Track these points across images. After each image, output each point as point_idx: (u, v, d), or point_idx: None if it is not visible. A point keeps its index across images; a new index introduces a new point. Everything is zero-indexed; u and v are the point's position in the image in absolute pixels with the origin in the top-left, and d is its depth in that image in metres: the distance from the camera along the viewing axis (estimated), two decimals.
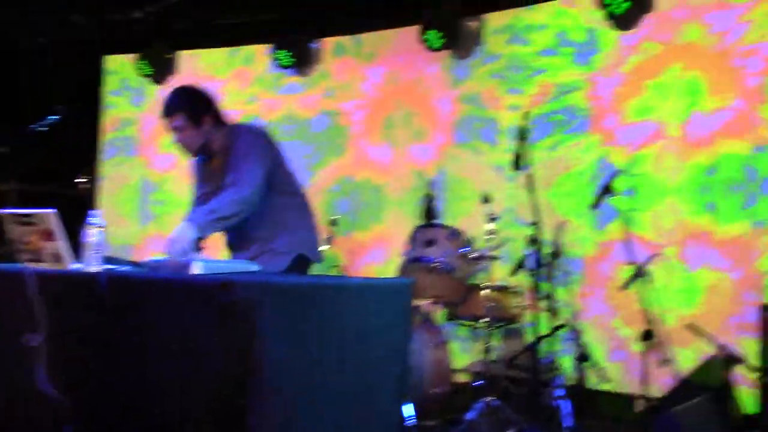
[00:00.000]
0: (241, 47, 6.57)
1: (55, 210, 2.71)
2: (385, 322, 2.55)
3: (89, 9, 6.23)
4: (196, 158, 3.63)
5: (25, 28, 6.70)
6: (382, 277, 4.77)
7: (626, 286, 4.11)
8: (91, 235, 2.66)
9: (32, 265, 2.68)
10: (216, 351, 2.09)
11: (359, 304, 2.49)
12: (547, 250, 4.14)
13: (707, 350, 4.05)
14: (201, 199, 3.59)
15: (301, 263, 3.50)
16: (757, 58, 4.41)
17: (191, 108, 3.41)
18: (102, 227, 2.68)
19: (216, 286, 2.15)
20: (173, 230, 3.12)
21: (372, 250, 5.88)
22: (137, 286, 2.40)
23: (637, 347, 4.17)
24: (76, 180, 7.16)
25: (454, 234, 4.16)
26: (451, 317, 4.49)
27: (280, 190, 3.48)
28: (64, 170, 7.26)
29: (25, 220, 2.72)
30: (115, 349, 2.33)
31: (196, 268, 2.74)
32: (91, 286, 2.38)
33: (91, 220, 2.67)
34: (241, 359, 2.04)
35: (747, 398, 3.82)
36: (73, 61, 6.87)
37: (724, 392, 3.54)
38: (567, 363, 4.42)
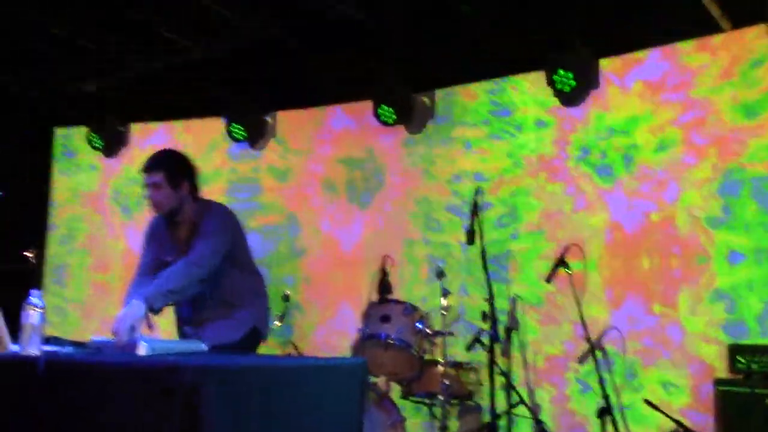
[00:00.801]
0: (193, 120, 6.55)
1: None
2: (339, 403, 2.47)
3: (41, 81, 6.17)
4: (156, 219, 3.66)
5: None
6: (335, 356, 4.66)
7: (582, 361, 4.10)
8: (31, 316, 2.56)
9: None
10: None
11: (311, 385, 2.41)
12: (502, 325, 4.11)
13: (664, 426, 4.02)
14: (148, 265, 3.59)
15: (254, 336, 3.58)
16: None
17: (173, 169, 3.50)
18: (42, 308, 2.58)
19: (159, 369, 2.08)
20: (122, 308, 3.04)
21: (325, 325, 5.79)
22: (77, 369, 2.30)
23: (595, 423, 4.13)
24: (23, 253, 6.99)
25: (409, 309, 4.11)
26: (407, 394, 4.40)
27: (240, 267, 3.57)
28: (10, 246, 7.11)
29: None
30: None
31: (142, 349, 2.66)
32: (29, 370, 2.27)
33: (31, 300, 2.57)
34: None
35: None
36: (22, 133, 6.78)
37: None
38: None
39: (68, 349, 2.73)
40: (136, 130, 6.77)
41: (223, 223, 3.54)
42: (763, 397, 3.48)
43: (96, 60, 5.73)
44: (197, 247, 3.40)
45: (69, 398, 2.22)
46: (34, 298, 2.58)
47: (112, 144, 6.69)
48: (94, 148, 6.67)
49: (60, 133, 7.00)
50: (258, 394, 2.17)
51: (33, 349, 2.51)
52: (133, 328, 3.01)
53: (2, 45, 5.50)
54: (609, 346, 4.37)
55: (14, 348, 2.60)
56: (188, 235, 3.54)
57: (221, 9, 4.95)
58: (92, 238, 6.79)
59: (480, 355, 4.15)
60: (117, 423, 2.10)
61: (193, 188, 3.58)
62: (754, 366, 3.66)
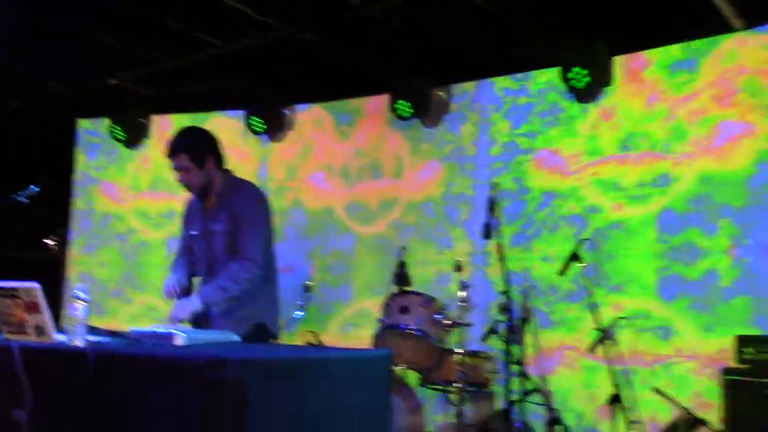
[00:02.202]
0: (213, 113, 6.69)
1: (39, 284, 2.74)
2: (367, 393, 2.57)
3: (65, 76, 6.32)
4: (191, 199, 3.78)
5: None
6: (360, 347, 4.79)
7: (592, 349, 4.24)
8: (76, 308, 2.70)
9: (15, 338, 2.70)
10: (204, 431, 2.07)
11: (342, 376, 2.50)
12: (517, 315, 4.26)
13: (673, 413, 4.17)
14: (184, 245, 3.77)
15: (260, 332, 3.58)
16: None
17: (195, 149, 3.58)
18: (86, 301, 2.72)
19: (205, 362, 2.15)
20: (178, 301, 3.23)
21: (344, 315, 5.95)
22: (124, 361, 2.39)
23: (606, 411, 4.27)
24: (44, 240, 7.15)
25: (428, 301, 4.26)
26: (425, 382, 4.56)
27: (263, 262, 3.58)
28: (36, 236, 7.28)
29: (9, 293, 2.75)
30: (101, 426, 2.33)
31: (180, 340, 2.80)
32: (78, 361, 2.38)
33: (76, 292, 2.71)
34: None
35: None
36: (46, 125, 6.93)
37: None
38: (539, 428, 4.50)
39: (108, 340, 2.83)
40: (158, 122, 6.91)
41: (257, 207, 3.62)
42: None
43: (120, 55, 5.86)
44: (247, 243, 3.48)
45: (115, 391, 2.30)
46: (79, 290, 2.73)
47: (134, 135, 6.83)
48: (117, 139, 6.81)
49: (82, 124, 7.14)
50: (297, 386, 2.25)
51: (80, 341, 2.66)
52: (183, 319, 3.20)
53: (28, 38, 5.64)
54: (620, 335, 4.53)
55: (60, 338, 2.74)
56: (214, 206, 3.64)
57: (241, 6, 5.08)
58: (115, 228, 6.95)
59: (496, 344, 4.30)
60: (162, 416, 2.17)
61: (218, 160, 3.65)
62: (761, 356, 3.79)
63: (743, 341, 3.94)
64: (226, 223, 3.58)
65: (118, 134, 6.77)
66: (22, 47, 5.64)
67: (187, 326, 3.29)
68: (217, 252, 3.63)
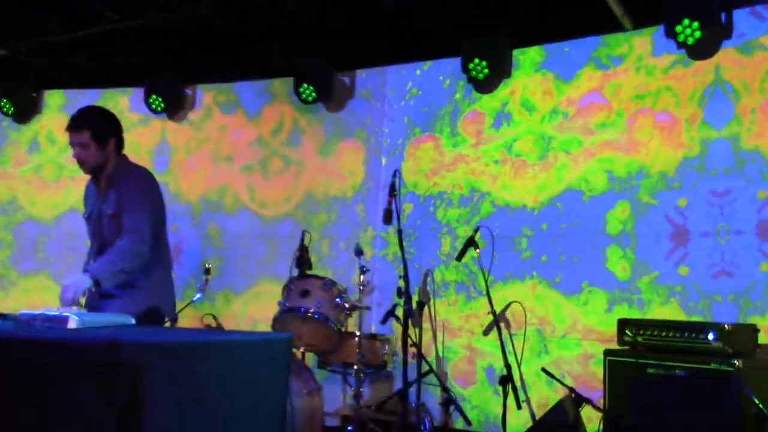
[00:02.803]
0: (109, 90, 6.49)
1: None
2: (265, 376, 2.59)
3: None
4: (89, 181, 3.74)
5: None
6: (260, 330, 4.79)
7: (486, 332, 4.42)
8: None
9: None
10: (97, 416, 2.02)
11: (241, 359, 2.51)
12: (414, 299, 4.37)
13: (560, 393, 4.39)
14: (88, 221, 3.71)
15: (152, 315, 3.55)
16: None
17: (99, 128, 3.55)
18: None
19: (100, 344, 2.09)
20: (67, 278, 3.15)
21: (244, 298, 5.93)
22: (14, 344, 2.33)
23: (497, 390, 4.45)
24: None
25: (328, 285, 4.31)
26: (323, 364, 4.62)
27: (152, 243, 3.56)
28: None
29: None
30: None
31: (72, 323, 2.73)
32: None
33: None
34: (124, 425, 1.99)
35: None
36: None
37: (575, 430, 3.88)
38: (434, 408, 4.64)
39: None
40: (49, 96, 6.65)
41: (144, 187, 3.61)
42: (646, 366, 3.84)
43: (12, 24, 5.60)
44: (132, 220, 3.46)
45: (6, 376, 2.21)
46: None
47: (24, 110, 6.55)
48: (5, 113, 6.52)
49: None
50: (196, 369, 2.24)
51: None
52: (76, 299, 3.11)
53: None
54: (512, 319, 4.74)
55: None
56: (105, 187, 3.62)
57: None
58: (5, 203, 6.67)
59: (394, 328, 4.41)
60: (55, 400, 2.11)
61: (119, 144, 3.64)
62: (639, 338, 4.02)
63: (624, 324, 4.17)
64: (114, 204, 3.57)
65: (7, 108, 6.48)
66: None
67: (81, 309, 3.21)
68: (107, 235, 3.60)
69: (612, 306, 4.66)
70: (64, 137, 3.67)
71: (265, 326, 4.59)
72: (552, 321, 4.84)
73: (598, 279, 4.72)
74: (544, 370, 4.38)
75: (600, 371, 4.00)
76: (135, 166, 3.73)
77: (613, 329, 3.99)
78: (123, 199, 3.53)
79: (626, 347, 3.94)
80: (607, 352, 4.01)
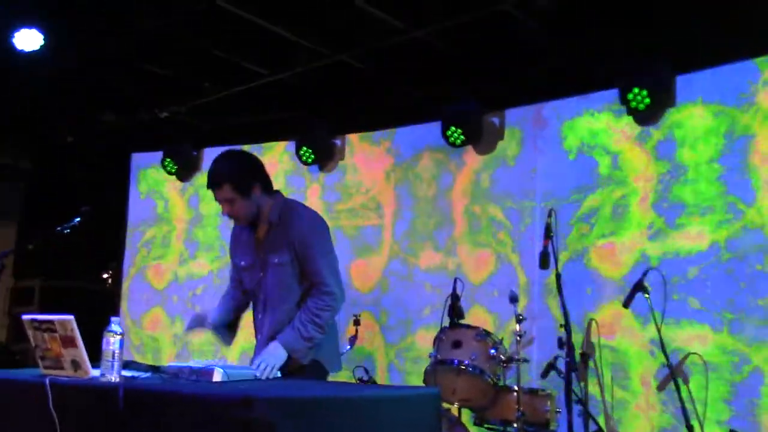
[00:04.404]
0: (264, 143, 6.62)
1: (73, 316, 2.66)
2: None
3: (119, 108, 6.38)
4: (237, 227, 3.47)
5: (56, 126, 6.87)
6: (409, 385, 4.59)
7: (662, 387, 3.97)
8: (111, 342, 2.61)
9: (52, 373, 2.63)
10: None
11: (386, 416, 2.38)
12: (577, 350, 4.01)
13: None
14: (233, 276, 3.54)
15: (314, 370, 3.30)
16: None
17: (239, 177, 3.21)
18: (121, 334, 2.63)
19: (235, 401, 2.06)
20: (269, 348, 3.11)
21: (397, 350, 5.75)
22: (155, 398, 2.32)
23: None
24: (102, 275, 7.21)
25: (482, 335, 4.04)
26: (480, 421, 4.32)
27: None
28: (89, 267, 7.35)
29: (46, 327, 2.68)
30: None
31: (218, 375, 2.68)
32: (109, 397, 2.30)
33: (111, 327, 2.62)
34: None
35: None
36: (102, 158, 7.01)
37: None
38: None
39: (146, 375, 2.76)
40: (208, 154, 6.91)
41: (326, 232, 3.35)
42: None
43: (171, 87, 5.89)
44: (319, 273, 3.22)
45: (146, 426, 2.24)
46: (114, 324, 2.64)
47: (186, 168, 6.85)
48: (169, 172, 6.83)
49: (137, 157, 7.19)
50: (332, 427, 2.16)
51: (113, 375, 2.56)
52: (275, 369, 3.05)
53: (84, 74, 5.70)
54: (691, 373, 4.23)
55: (95, 373, 2.65)
56: (268, 234, 3.32)
57: (291, 36, 5.02)
58: (167, 261, 6.94)
59: (556, 382, 4.05)
60: None
61: (265, 185, 3.29)
62: None
63: None
64: (285, 253, 3.26)
65: (170, 167, 6.79)
66: (76, 77, 5.70)
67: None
68: (272, 285, 3.33)
69: None
70: None
71: (417, 380, 4.38)
72: None
73: None
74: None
75: None
76: (297, 205, 3.41)
77: None
78: (299, 244, 3.23)
79: None
80: None
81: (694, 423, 3.68)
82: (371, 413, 2.32)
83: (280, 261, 3.26)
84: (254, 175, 3.28)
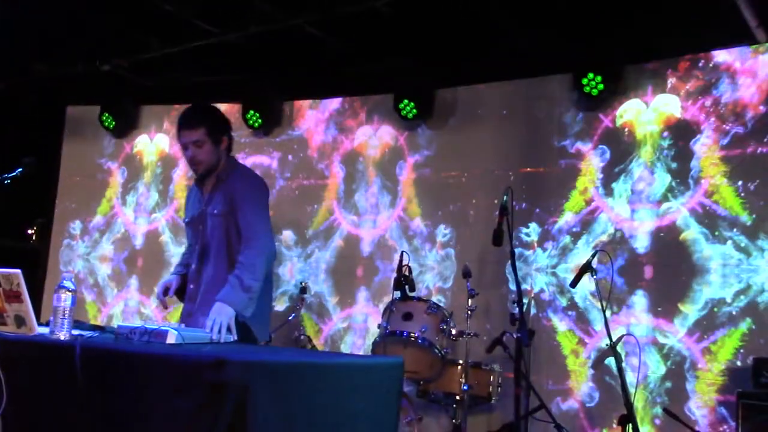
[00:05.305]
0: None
1: (20, 270, 2.54)
2: (375, 402, 2.42)
3: (57, 60, 6.07)
4: (191, 188, 3.58)
5: None
6: (369, 354, 4.55)
7: (595, 366, 4.08)
8: (63, 299, 2.50)
9: None
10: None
11: (350, 383, 2.35)
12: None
13: None
14: (186, 230, 3.59)
15: (242, 334, 3.24)
16: None
17: (215, 125, 3.37)
18: (73, 291, 2.52)
19: (206, 363, 1.99)
20: (214, 309, 3.02)
21: (342, 319, 5.72)
22: (116, 357, 2.22)
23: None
24: (28, 231, 6.91)
25: (433, 308, 4.05)
26: (424, 393, 4.35)
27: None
28: (18, 222, 7.03)
29: None
30: (90, 427, 2.12)
31: (171, 338, 2.60)
32: (64, 356, 2.19)
33: (63, 283, 2.51)
34: None
35: None
36: (34, 109, 6.69)
37: None
38: None
39: (94, 334, 2.65)
40: (147, 112, 6.68)
41: (264, 195, 3.42)
42: None
43: (114, 41, 5.64)
44: (252, 224, 3.25)
45: (106, 389, 2.16)
46: (66, 280, 2.52)
47: (123, 124, 6.60)
48: (106, 128, 6.58)
49: (72, 111, 6.89)
50: (301, 391, 2.13)
51: (64, 333, 2.45)
52: (228, 330, 2.98)
53: (22, 24, 5.39)
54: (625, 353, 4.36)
55: (42, 330, 2.53)
56: (212, 189, 3.43)
57: None
58: (99, 218, 6.71)
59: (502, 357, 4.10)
60: (158, 418, 2.04)
61: (230, 144, 3.45)
62: None
63: (761, 364, 3.77)
64: (223, 204, 3.35)
65: (108, 122, 6.54)
66: (10, 26, 5.38)
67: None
68: (210, 236, 3.39)
69: None
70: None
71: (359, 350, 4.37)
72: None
73: None
74: (666, 410, 4.01)
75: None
76: (246, 168, 3.57)
77: None
78: (236, 198, 3.32)
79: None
80: (741, 395, 3.64)
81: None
82: (342, 379, 2.30)
83: (218, 212, 3.36)
84: (227, 129, 3.45)
